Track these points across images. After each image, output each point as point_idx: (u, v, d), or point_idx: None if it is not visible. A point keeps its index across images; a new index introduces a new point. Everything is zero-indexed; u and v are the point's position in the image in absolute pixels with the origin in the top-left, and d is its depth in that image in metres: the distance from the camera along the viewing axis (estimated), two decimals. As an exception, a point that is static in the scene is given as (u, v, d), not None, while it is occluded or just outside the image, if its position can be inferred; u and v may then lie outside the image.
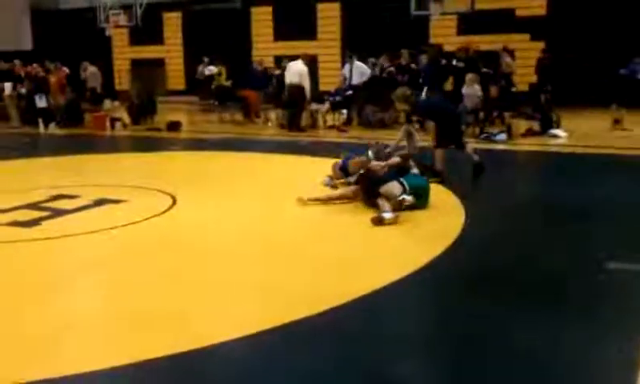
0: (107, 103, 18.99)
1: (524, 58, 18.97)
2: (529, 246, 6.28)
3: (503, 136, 12.86)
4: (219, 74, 18.93)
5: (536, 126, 13.68)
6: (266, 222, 7.30)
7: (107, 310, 4.90)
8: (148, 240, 6.76)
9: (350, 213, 7.46)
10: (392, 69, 16.02)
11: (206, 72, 20.37)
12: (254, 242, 6.56)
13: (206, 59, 20.92)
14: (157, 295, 5.12)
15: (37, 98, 16.83)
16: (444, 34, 20.42)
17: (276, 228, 7.06)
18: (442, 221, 7.06)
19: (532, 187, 9.55)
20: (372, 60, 16.94)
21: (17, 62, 19.32)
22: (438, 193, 8.21)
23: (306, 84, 15.04)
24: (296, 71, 15.07)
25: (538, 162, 11.79)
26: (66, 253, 6.44)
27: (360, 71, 16.15)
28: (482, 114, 13.46)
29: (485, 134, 13.09)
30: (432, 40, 20.48)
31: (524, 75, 18.37)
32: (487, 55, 16.35)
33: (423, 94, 13.20)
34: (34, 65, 18.69)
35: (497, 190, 9.00)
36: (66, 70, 18.83)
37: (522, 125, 13.67)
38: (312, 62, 16.69)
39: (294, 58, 15.97)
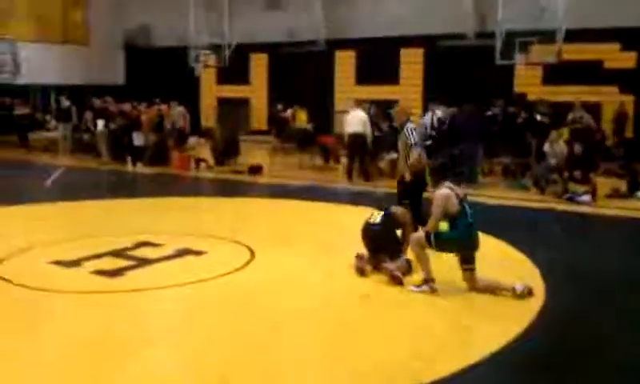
0: (192, 141, 19.56)
1: (611, 112, 18.46)
2: (610, 328, 6.09)
3: (587, 197, 12.50)
4: (293, 117, 19.22)
5: (623, 186, 13.25)
6: (341, 287, 7.30)
7: (183, 371, 5.06)
8: (222, 298, 6.94)
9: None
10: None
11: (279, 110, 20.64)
12: (327, 307, 6.62)
13: (279, 106, 21.34)
14: (225, 358, 5.25)
15: (134, 135, 17.56)
16: (529, 82, 20.13)
17: (350, 296, 7.05)
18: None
19: (616, 258, 9.11)
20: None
21: (109, 98, 20.20)
22: (516, 260, 8.08)
23: (368, 132, 15.06)
24: (358, 120, 15.08)
25: (622, 228, 11.35)
26: (146, 308, 6.71)
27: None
28: (566, 174, 13.12)
29: (568, 195, 12.75)
30: (516, 89, 20.23)
31: (611, 129, 17.86)
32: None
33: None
34: (128, 103, 19.43)
35: (579, 259, 8.71)
36: (162, 108, 19.35)
37: (607, 185, 13.28)
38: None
39: (374, 102, 16.10)
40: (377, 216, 7.86)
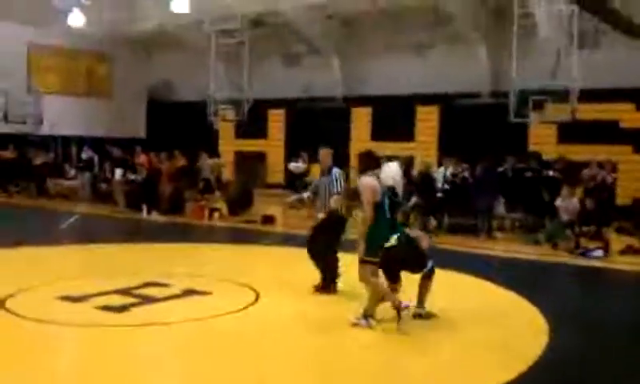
0: (218, 194, 19.56)
1: (627, 172, 18.41)
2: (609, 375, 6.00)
3: (600, 252, 12.40)
4: (307, 171, 19.36)
5: (637, 243, 13.13)
6: (343, 333, 7.19)
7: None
8: (221, 335, 6.97)
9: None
10: (465, 174, 15.80)
11: (293, 168, 20.80)
12: (325, 352, 6.60)
13: (293, 159, 21.46)
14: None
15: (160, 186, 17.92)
16: (543, 141, 20.17)
17: (353, 342, 6.99)
18: (522, 341, 6.88)
19: (626, 312, 9.01)
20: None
21: (138, 148, 20.56)
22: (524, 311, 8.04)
23: (399, 188, 15.08)
24: (390, 174, 15.13)
25: (635, 283, 11.23)
26: (146, 342, 6.74)
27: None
28: (577, 229, 13.06)
29: (581, 250, 12.67)
30: (531, 147, 20.26)
31: (626, 189, 17.78)
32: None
33: None
34: (144, 155, 19.74)
35: (588, 311, 8.62)
36: (182, 161, 19.63)
37: (621, 241, 13.17)
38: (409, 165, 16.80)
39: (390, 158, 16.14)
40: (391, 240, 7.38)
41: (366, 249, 7.06)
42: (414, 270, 7.44)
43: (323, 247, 8.69)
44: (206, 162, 19.70)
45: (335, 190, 8.58)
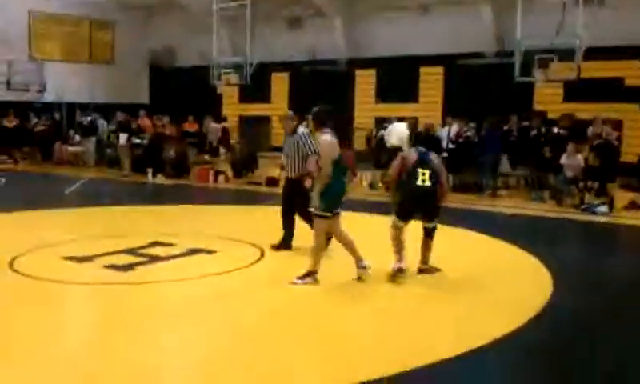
0: (222, 153, 19.58)
1: (632, 129, 18.30)
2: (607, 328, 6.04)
3: (604, 208, 12.40)
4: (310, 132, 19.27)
5: (640, 199, 13.15)
6: (343, 285, 7.31)
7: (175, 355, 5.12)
8: (226, 290, 7.02)
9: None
10: (469, 133, 15.77)
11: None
12: (327, 300, 6.66)
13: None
14: (214, 345, 5.32)
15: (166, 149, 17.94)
16: (549, 100, 20.05)
17: (353, 289, 7.10)
18: (528, 291, 6.93)
19: (629, 266, 9.05)
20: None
21: (142, 112, 20.60)
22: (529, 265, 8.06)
23: (405, 148, 15.11)
24: (397, 135, 15.16)
25: (638, 238, 11.26)
26: (149, 298, 6.79)
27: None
28: (581, 184, 13.05)
29: (585, 205, 12.67)
30: (536, 106, 20.15)
31: (632, 146, 17.69)
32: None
33: None
34: (147, 118, 19.76)
35: (591, 265, 8.66)
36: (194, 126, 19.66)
37: (625, 197, 13.16)
38: (415, 126, 16.79)
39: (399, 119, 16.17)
40: (426, 177, 7.31)
41: (323, 204, 7.06)
42: (424, 218, 7.46)
43: (301, 208, 8.62)
44: (210, 126, 19.66)
45: (308, 150, 8.55)
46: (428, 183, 7.24)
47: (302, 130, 8.89)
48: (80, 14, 27.17)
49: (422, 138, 15.22)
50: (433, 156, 7.54)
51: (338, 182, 7.18)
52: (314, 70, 24.40)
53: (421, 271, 7.53)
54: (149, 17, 28.82)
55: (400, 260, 7.30)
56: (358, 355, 5.14)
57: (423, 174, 7.23)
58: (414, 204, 7.37)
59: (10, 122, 22.78)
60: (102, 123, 21.56)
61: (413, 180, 7.25)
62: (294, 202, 8.74)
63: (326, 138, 7.22)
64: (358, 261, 7.24)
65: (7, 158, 22.13)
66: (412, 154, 7.50)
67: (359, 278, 7.21)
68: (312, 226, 8.16)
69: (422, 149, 7.60)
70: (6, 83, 24.99)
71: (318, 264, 7.10)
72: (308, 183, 8.20)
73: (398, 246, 7.36)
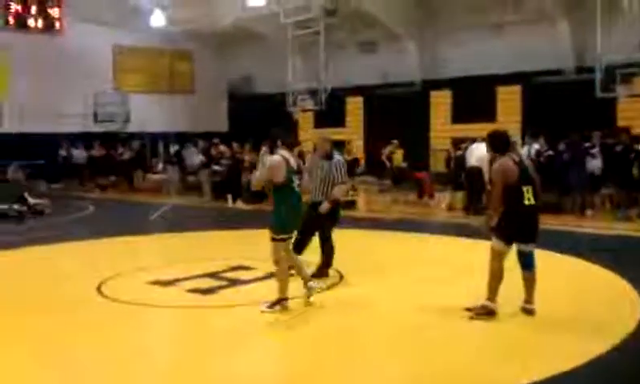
0: (297, 178, 19.79)
1: None
2: None
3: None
4: (391, 154, 19.27)
5: None
6: (422, 309, 7.23)
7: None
8: (307, 314, 7.09)
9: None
10: (550, 153, 15.37)
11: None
12: (406, 332, 6.61)
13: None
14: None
15: (243, 176, 18.31)
16: (633, 116, 19.37)
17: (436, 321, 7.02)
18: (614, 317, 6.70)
19: None
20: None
21: (216, 140, 21.15)
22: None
23: (485, 168, 14.88)
24: (478, 155, 14.98)
25: None
26: (233, 320, 6.93)
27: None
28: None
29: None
30: (620, 122, 19.50)
31: None
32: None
33: None
34: (225, 146, 20.21)
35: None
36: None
37: None
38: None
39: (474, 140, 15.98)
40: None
41: (278, 227, 6.96)
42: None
43: (328, 234, 8.63)
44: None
45: (340, 179, 8.50)
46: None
47: (337, 156, 8.81)
48: (161, 46, 28.20)
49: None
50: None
51: (290, 205, 7.01)
52: (388, 94, 24.43)
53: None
54: (226, 47, 29.60)
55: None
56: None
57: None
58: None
59: (98, 152, 23.82)
60: (192, 151, 21.92)
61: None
62: (320, 227, 8.61)
63: (274, 158, 7.02)
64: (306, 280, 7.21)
65: (94, 186, 23.14)
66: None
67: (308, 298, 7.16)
68: (323, 252, 8.28)
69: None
70: (93, 115, 26.20)
71: (287, 289, 7.00)
72: (325, 208, 8.31)
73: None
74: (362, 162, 20.83)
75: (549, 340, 6.02)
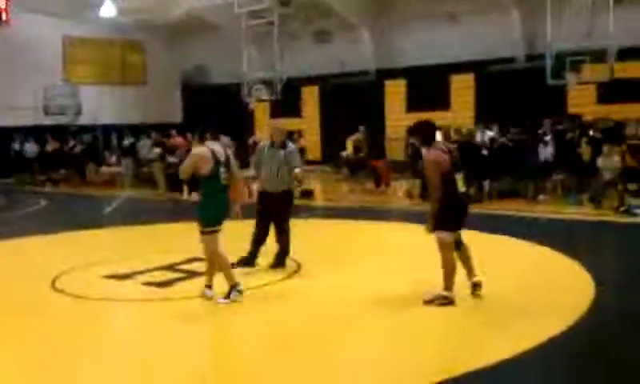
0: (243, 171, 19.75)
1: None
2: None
3: (644, 209, 12.19)
4: (358, 142, 19.29)
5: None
6: (381, 298, 7.28)
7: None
8: (260, 303, 7.10)
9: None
10: (503, 140, 15.61)
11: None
12: (366, 314, 6.66)
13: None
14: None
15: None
16: (582, 103, 19.81)
17: (391, 302, 7.08)
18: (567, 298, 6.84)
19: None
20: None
21: (173, 131, 20.86)
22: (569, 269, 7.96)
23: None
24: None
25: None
26: (189, 313, 6.86)
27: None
28: (620, 186, 12.86)
29: (625, 208, 12.46)
30: (570, 109, 19.93)
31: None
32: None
33: None
34: (180, 137, 19.98)
35: (634, 269, 8.50)
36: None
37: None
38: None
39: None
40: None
41: (205, 220, 6.98)
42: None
43: (284, 223, 8.69)
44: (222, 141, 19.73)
45: (296, 164, 8.57)
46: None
47: (291, 145, 8.88)
48: (112, 37, 27.70)
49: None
50: None
51: (217, 196, 7.01)
52: (344, 83, 24.48)
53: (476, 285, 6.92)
54: (180, 37, 29.24)
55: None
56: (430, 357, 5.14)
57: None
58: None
59: (52, 146, 23.27)
60: (146, 143, 21.53)
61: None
62: (277, 217, 8.66)
63: (199, 149, 6.99)
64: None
65: (46, 180, 22.64)
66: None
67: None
68: (280, 241, 8.30)
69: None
70: (43, 109, 25.61)
71: (233, 275, 7.02)
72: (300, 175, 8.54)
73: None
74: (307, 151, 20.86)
75: (503, 323, 6.13)
